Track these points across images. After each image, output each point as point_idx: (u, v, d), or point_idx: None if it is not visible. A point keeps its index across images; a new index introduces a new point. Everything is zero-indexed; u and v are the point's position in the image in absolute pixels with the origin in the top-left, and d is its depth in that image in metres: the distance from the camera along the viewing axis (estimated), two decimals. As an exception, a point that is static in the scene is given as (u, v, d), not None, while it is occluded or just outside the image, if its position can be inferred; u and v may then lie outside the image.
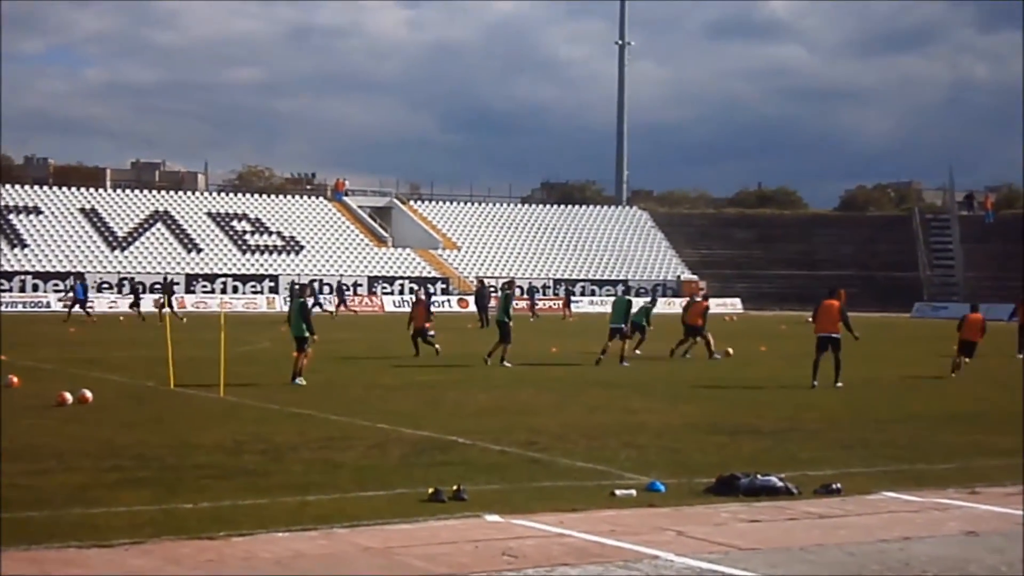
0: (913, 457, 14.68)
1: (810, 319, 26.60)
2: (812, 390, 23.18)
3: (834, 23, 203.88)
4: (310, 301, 27.54)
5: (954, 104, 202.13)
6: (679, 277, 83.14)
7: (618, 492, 11.87)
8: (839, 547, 9.56)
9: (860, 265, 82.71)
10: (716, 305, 55.72)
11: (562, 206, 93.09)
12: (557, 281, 78.94)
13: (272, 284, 71.20)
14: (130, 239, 74.39)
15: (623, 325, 29.12)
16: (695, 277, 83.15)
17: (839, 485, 12.19)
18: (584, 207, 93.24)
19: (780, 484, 12.03)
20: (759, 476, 12.15)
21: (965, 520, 10.72)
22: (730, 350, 32.97)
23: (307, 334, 23.22)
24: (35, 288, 66.59)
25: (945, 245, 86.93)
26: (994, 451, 15.30)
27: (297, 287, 51.54)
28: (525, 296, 67.02)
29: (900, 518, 10.87)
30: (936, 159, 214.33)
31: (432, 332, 31.29)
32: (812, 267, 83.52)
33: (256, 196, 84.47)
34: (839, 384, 23.57)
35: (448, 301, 72.44)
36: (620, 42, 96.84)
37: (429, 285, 71.69)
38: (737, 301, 78.70)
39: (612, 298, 33.92)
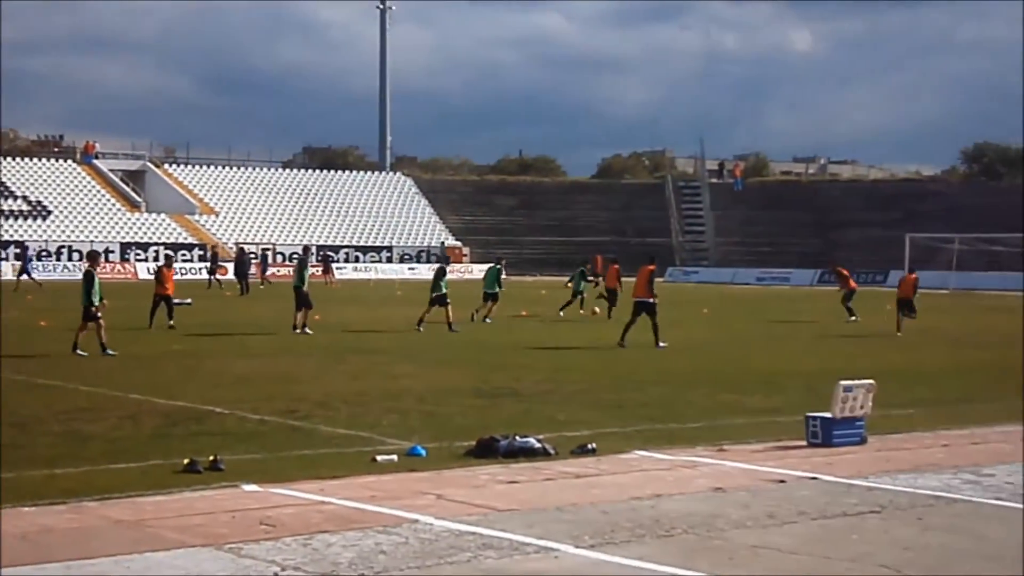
0: (665, 417, 15.17)
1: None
2: (572, 351, 23.97)
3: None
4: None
5: (705, 74, 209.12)
6: (443, 243, 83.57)
7: (379, 458, 11.86)
8: (593, 506, 9.80)
9: (616, 231, 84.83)
10: (478, 272, 56.17)
11: (324, 171, 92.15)
12: (320, 247, 78.22)
13: (17, 251, 68.07)
14: None
15: (496, 290, 33.02)
16: (459, 243, 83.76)
17: (594, 445, 12.49)
18: (347, 173, 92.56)
19: (538, 445, 12.24)
20: (518, 438, 12.33)
21: (713, 477, 11.14)
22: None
23: (96, 302, 22.36)
24: None
25: (696, 212, 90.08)
26: (741, 410, 15.96)
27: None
28: (258, 262, 65.35)
29: (652, 476, 11.21)
30: (688, 128, 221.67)
31: (177, 300, 30.55)
32: (571, 233, 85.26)
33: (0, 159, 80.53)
34: (662, 344, 24.80)
35: (205, 268, 70.82)
36: (381, 6, 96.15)
37: (171, 252, 69.76)
38: (499, 267, 79.71)
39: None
